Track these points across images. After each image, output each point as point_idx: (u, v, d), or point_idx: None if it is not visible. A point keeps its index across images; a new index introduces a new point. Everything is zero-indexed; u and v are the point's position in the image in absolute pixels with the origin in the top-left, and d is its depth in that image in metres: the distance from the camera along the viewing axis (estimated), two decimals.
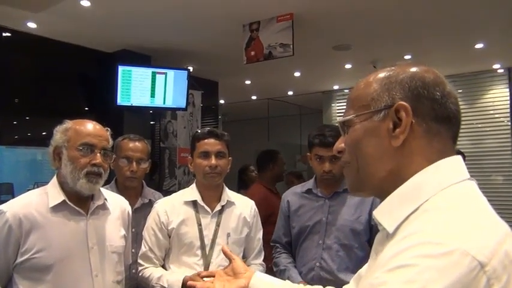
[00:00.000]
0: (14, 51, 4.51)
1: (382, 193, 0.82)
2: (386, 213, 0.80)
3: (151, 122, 5.45)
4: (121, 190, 2.27)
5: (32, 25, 4.14)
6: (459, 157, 0.81)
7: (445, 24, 4.10)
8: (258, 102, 8.25)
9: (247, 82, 6.77)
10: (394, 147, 0.79)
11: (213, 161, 1.98)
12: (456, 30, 4.28)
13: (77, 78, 4.97)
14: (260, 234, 2.19)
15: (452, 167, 0.78)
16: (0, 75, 4.51)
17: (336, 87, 7.16)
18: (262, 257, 2.18)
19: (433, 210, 0.72)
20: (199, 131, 2.09)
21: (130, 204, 1.99)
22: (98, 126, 1.69)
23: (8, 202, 1.61)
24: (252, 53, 4.03)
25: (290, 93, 7.62)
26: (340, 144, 0.90)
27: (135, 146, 2.33)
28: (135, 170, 2.28)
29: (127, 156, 2.29)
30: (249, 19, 4.01)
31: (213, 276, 1.48)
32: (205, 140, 2.01)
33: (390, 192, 0.80)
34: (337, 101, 7.30)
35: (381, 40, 4.55)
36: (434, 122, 0.79)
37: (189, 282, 1.81)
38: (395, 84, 0.81)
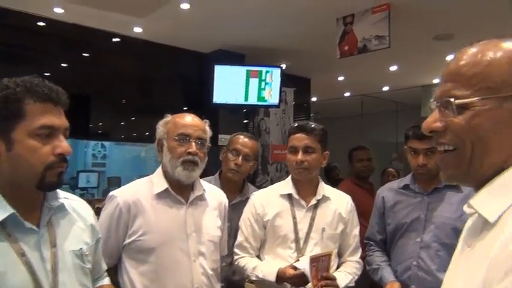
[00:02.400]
0: (122, 55, 4.93)
1: (482, 183, 0.76)
2: (486, 201, 0.73)
3: (245, 121, 5.61)
4: (223, 182, 2.39)
5: (138, 30, 4.49)
6: None
7: None
8: (351, 98, 8.10)
9: (340, 78, 6.67)
10: None
11: (299, 156, 1.97)
12: None
13: (176, 78, 5.29)
14: (356, 231, 2.14)
15: None
16: (110, 78, 4.96)
17: (436, 80, 6.76)
18: (359, 254, 2.13)
19: None
20: (292, 125, 2.11)
21: (229, 198, 2.07)
22: (195, 118, 1.79)
23: (119, 189, 1.79)
24: (346, 47, 3.97)
25: (385, 88, 7.36)
26: (434, 122, 0.80)
27: (245, 141, 2.40)
28: (240, 164, 2.34)
29: (235, 149, 2.37)
30: (343, 12, 3.96)
31: None
32: (295, 135, 2.01)
33: (489, 180, 0.74)
34: None
35: (487, 27, 4.21)
36: None
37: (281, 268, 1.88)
38: None
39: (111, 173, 6.18)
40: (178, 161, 1.70)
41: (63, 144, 1.13)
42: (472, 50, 0.77)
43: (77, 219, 1.28)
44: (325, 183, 2.19)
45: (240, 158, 2.35)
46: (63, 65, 4.84)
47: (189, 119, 1.77)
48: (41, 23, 4.24)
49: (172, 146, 1.72)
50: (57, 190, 1.24)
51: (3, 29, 4.07)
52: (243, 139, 2.41)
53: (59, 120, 1.14)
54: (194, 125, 1.75)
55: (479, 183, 0.76)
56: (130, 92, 5.28)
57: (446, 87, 0.78)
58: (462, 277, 0.75)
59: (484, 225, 0.73)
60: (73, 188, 6.32)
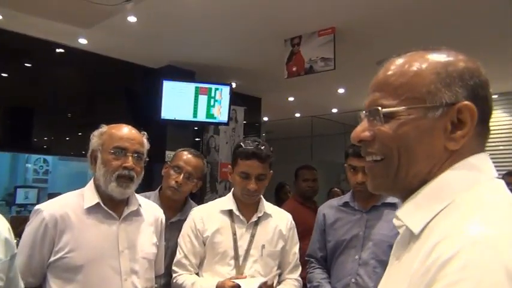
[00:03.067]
0: (67, 66, 4.78)
1: (408, 193, 0.76)
2: (411, 212, 0.73)
3: (196, 139, 5.56)
4: (162, 199, 2.25)
5: (83, 41, 4.38)
6: (486, 155, 0.75)
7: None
8: (301, 119, 8.24)
9: (291, 99, 6.78)
10: (447, 150, 0.73)
11: (253, 184, 1.93)
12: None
13: (123, 93, 5.18)
14: (296, 249, 2.14)
15: (483, 164, 0.73)
16: (54, 91, 4.79)
17: None
18: (298, 272, 2.13)
19: (464, 206, 0.66)
20: (243, 146, 1.98)
21: (167, 216, 2.00)
22: (133, 130, 1.72)
23: (46, 202, 1.69)
24: (294, 68, 4.05)
25: (334, 110, 7.56)
26: (362, 132, 0.80)
27: (188, 158, 2.24)
28: (180, 182, 2.18)
29: (178, 166, 2.22)
30: (290, 34, 4.05)
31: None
32: (248, 161, 1.93)
33: (415, 191, 0.74)
34: None
35: None
36: (482, 123, 0.73)
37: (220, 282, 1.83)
38: (456, 78, 0.73)
39: (54, 189, 5.93)
40: (112, 176, 1.63)
41: None
42: (400, 60, 0.79)
43: None
44: (274, 201, 2.17)
45: (182, 175, 2.20)
46: (3, 74, 4.62)
47: (126, 131, 1.70)
48: None
49: (107, 159, 1.64)
50: None
51: None
52: (187, 155, 2.26)
53: None
54: (131, 138, 1.68)
55: (406, 194, 0.76)
56: (75, 105, 5.12)
57: (374, 96, 0.79)
58: None
59: (411, 237, 0.74)
60: (9, 204, 6.00)
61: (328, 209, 2.28)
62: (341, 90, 6.11)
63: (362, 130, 0.79)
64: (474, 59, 0.77)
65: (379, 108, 0.76)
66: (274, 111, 7.39)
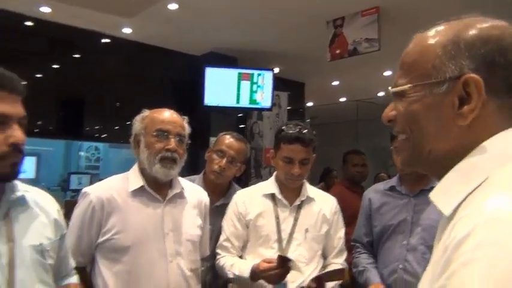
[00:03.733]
0: (113, 56, 4.90)
1: (440, 171, 0.71)
2: (442, 194, 0.69)
3: (240, 125, 5.58)
4: (206, 183, 2.25)
5: (127, 30, 4.47)
6: None
7: None
8: (346, 104, 8.08)
9: (335, 83, 6.65)
10: (460, 126, 0.68)
11: (296, 169, 1.92)
12: None
13: (167, 80, 5.26)
14: (341, 233, 2.11)
15: None
16: (101, 80, 4.93)
17: None
18: (344, 257, 2.09)
19: (497, 183, 0.60)
20: (286, 130, 1.96)
21: (212, 200, 2.01)
22: (174, 114, 1.74)
23: (92, 185, 1.74)
24: (337, 50, 3.95)
25: (380, 94, 7.35)
26: (390, 111, 0.78)
27: (231, 142, 2.22)
28: (223, 167, 2.17)
29: (220, 150, 2.20)
30: (332, 15, 3.94)
31: None
32: (291, 146, 1.92)
33: (448, 170, 0.69)
34: None
35: None
36: (508, 93, 0.66)
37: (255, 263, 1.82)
38: (463, 49, 0.67)
39: (105, 175, 6.17)
40: (156, 158, 1.65)
41: (16, 133, 1.08)
42: (419, 36, 0.75)
43: (38, 213, 1.23)
44: (322, 186, 2.14)
45: (225, 160, 2.17)
46: (54, 66, 4.81)
47: (167, 115, 1.72)
48: (29, 23, 4.21)
49: (150, 142, 1.67)
50: (16, 183, 1.20)
51: None
52: (229, 139, 2.24)
53: (13, 108, 1.09)
54: (173, 121, 1.70)
55: (439, 172, 0.72)
56: (122, 94, 5.26)
57: (396, 75, 0.77)
58: (425, 276, 0.71)
59: (446, 219, 0.69)
60: (64, 189, 6.30)
61: (374, 194, 2.22)
62: (387, 73, 5.91)
63: (390, 110, 0.79)
64: (502, 24, 0.70)
65: (389, 88, 0.76)
66: (318, 96, 7.28)
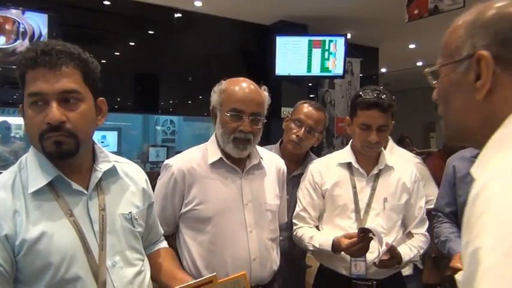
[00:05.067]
0: (185, 31, 5.00)
1: (481, 144, 0.73)
2: (480, 166, 0.70)
3: (311, 95, 5.50)
4: (283, 153, 2.23)
5: (198, 3, 4.51)
6: None
7: None
8: (425, 68, 7.64)
9: (412, 46, 6.31)
10: (480, 100, 0.72)
11: (374, 136, 1.85)
12: None
13: (238, 52, 5.29)
14: (422, 202, 2.02)
15: None
16: (174, 55, 5.06)
17: None
18: (425, 227, 2.01)
19: None
20: (363, 95, 1.88)
21: (289, 170, 2.00)
22: (251, 86, 1.68)
23: (173, 157, 1.78)
24: (415, 10, 3.71)
25: None
26: (434, 94, 0.86)
27: (310, 112, 2.18)
28: (301, 136, 2.14)
29: (299, 120, 2.17)
30: None
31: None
32: (368, 112, 1.84)
33: (486, 142, 0.72)
34: None
35: None
36: None
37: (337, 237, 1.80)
38: (479, 28, 0.72)
39: (181, 148, 6.39)
40: (230, 138, 1.64)
41: (51, 112, 1.05)
42: (455, 19, 0.80)
43: (128, 183, 1.28)
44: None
45: (303, 129, 2.14)
46: (130, 43, 5.00)
47: (244, 92, 1.66)
48: (106, 2, 4.39)
49: (224, 120, 1.65)
50: (107, 154, 1.26)
51: (71, 11, 4.24)
52: (308, 108, 2.19)
53: (48, 85, 1.05)
54: (249, 99, 1.64)
55: (480, 146, 0.74)
56: (195, 69, 5.37)
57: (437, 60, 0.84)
58: None
59: None
60: (144, 162, 6.66)
61: (458, 161, 2.08)
62: None
63: (435, 92, 0.86)
64: None
65: (428, 70, 0.84)
66: (393, 61, 6.96)
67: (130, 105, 5.50)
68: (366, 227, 1.78)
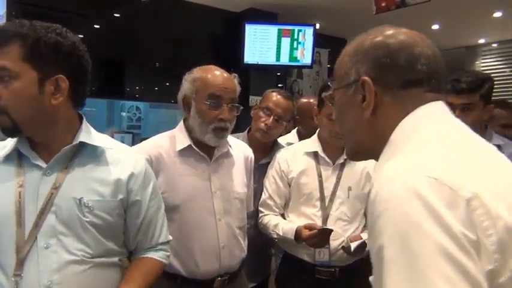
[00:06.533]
0: (152, 15, 4.89)
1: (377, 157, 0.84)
2: (375, 175, 0.83)
3: (279, 84, 5.52)
4: (251, 141, 2.23)
5: None
6: (436, 103, 0.80)
7: None
8: None
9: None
10: (368, 118, 0.82)
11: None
12: None
13: (207, 39, 5.23)
14: None
15: (425, 112, 0.78)
16: (141, 40, 4.95)
17: (481, 40, 6.39)
18: None
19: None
20: (330, 84, 1.93)
21: (256, 158, 2.01)
22: (226, 75, 1.68)
23: (140, 144, 1.76)
24: (383, 2, 3.77)
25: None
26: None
27: (279, 100, 2.19)
28: (270, 125, 2.15)
29: (268, 108, 2.18)
30: None
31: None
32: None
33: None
34: (483, 58, 6.50)
35: None
36: (403, 87, 0.79)
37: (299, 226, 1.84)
38: (360, 56, 0.83)
39: (147, 135, 6.29)
40: (209, 127, 1.63)
41: None
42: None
43: (104, 169, 1.22)
44: None
45: (272, 118, 2.15)
46: (95, 26, 4.85)
47: (220, 79, 1.66)
48: None
49: (202, 110, 1.63)
50: (94, 135, 1.23)
51: None
52: (277, 97, 2.21)
53: None
54: (226, 86, 1.65)
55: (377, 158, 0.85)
56: (162, 54, 5.27)
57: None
58: None
59: None
60: None
61: None
62: (435, 27, 5.62)
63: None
64: (399, 31, 0.82)
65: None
66: None
67: (94, 90, 5.35)
68: (326, 227, 1.82)
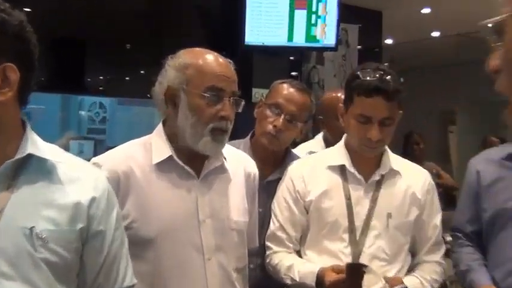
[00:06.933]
0: None
1: None
2: None
3: (293, 72, 5.52)
4: (255, 150, 2.25)
5: None
6: None
7: None
8: (442, 40, 7.83)
9: (426, 11, 6.44)
10: None
11: (375, 131, 1.87)
12: None
13: (195, 14, 5.26)
14: (437, 220, 2.09)
15: None
16: (109, 16, 4.98)
17: None
18: (441, 252, 2.08)
19: None
20: (361, 77, 1.91)
21: (262, 173, 2.02)
22: (222, 60, 1.70)
23: (103, 155, 1.74)
24: None
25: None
26: (494, 60, 0.82)
27: (291, 94, 2.20)
28: (280, 127, 2.15)
29: (277, 104, 2.19)
30: None
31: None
32: (369, 99, 1.87)
33: None
34: None
35: None
36: None
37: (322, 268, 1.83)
38: None
39: (114, 142, 6.31)
40: (206, 128, 1.62)
41: None
42: None
43: (58, 189, 1.23)
44: (402, 155, 2.11)
45: (282, 118, 2.16)
46: None
47: (219, 65, 1.67)
48: None
49: (198, 105, 1.62)
50: (40, 145, 1.24)
51: None
52: (289, 90, 2.22)
53: None
54: (227, 75, 1.67)
55: None
56: (134, 32, 5.30)
57: None
58: None
59: None
60: None
61: (484, 165, 2.15)
62: None
63: (495, 58, 0.81)
64: None
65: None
66: (400, 30, 7.09)
67: (43, 82, 5.38)
68: (355, 263, 1.81)
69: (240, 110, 1.72)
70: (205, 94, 1.62)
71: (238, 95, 1.70)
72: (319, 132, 2.89)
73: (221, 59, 1.70)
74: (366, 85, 1.88)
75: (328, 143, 2.69)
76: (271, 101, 2.22)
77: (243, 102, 1.72)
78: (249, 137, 2.33)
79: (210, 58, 1.69)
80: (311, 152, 2.38)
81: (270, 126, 2.16)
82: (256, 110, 2.30)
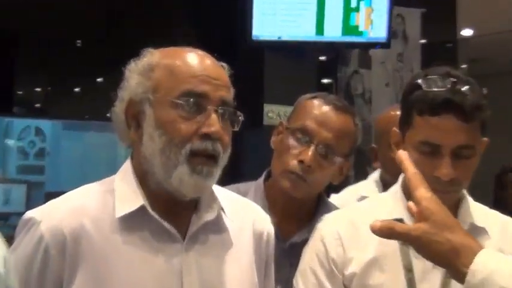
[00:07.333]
0: None
1: None
2: None
3: (324, 79, 5.57)
4: (271, 196, 2.28)
5: None
6: None
7: None
8: None
9: None
10: None
11: (447, 166, 1.86)
12: None
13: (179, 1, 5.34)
14: None
15: None
16: (51, 4, 5.08)
17: None
18: None
19: None
20: (424, 86, 1.88)
21: (283, 232, 2.09)
22: (208, 59, 1.72)
23: (44, 205, 1.74)
24: None
25: None
26: None
27: (325, 115, 2.25)
28: (310, 164, 2.17)
29: (305, 130, 2.22)
30: None
31: None
32: (437, 120, 1.86)
33: None
34: None
35: None
36: None
37: None
38: None
39: (56, 186, 6.35)
40: (181, 153, 1.60)
41: None
42: None
43: None
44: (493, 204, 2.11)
45: (312, 149, 2.18)
46: None
47: (201, 63, 1.69)
48: None
49: (168, 119, 1.62)
50: None
51: None
52: (321, 109, 2.26)
53: None
54: (213, 76, 1.67)
55: None
56: (90, 28, 5.38)
57: None
58: None
59: None
60: None
61: None
62: None
63: None
64: None
65: None
66: (483, 17, 7.14)
67: None
68: None
69: (237, 128, 1.71)
70: (179, 101, 1.61)
71: (231, 105, 1.70)
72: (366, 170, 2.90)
73: (206, 58, 1.71)
74: (431, 99, 1.87)
75: (387, 183, 2.71)
76: (297, 124, 2.25)
77: (240, 117, 1.72)
78: (262, 178, 2.36)
79: (188, 55, 1.71)
80: (363, 198, 2.39)
81: (295, 162, 2.18)
82: (273, 139, 2.32)
